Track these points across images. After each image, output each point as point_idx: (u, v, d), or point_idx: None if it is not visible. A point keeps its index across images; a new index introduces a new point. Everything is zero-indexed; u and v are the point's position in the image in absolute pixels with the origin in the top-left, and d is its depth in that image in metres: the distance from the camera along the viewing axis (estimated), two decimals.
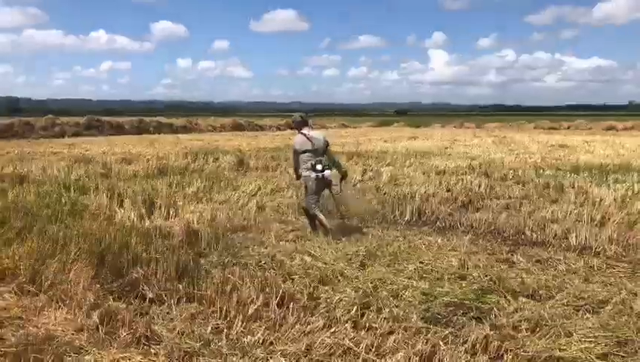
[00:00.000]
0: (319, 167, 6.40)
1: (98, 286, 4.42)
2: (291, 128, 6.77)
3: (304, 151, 6.47)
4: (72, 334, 3.59)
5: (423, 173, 12.02)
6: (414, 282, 4.72)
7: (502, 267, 5.29)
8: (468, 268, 5.16)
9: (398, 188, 9.86)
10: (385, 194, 9.13)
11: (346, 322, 3.80)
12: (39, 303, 4.13)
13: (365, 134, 33.37)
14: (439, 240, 6.31)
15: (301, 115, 6.75)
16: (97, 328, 3.66)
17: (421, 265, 5.27)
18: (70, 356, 3.24)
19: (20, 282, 4.54)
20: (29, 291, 4.37)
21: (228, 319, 3.87)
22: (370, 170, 12.44)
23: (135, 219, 6.76)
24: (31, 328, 3.64)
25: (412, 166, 13.63)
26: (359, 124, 53.42)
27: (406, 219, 7.50)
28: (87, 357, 3.21)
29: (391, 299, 4.29)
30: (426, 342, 3.44)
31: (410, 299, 4.30)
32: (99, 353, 3.28)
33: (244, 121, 42.94)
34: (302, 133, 6.52)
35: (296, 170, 6.78)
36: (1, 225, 6.13)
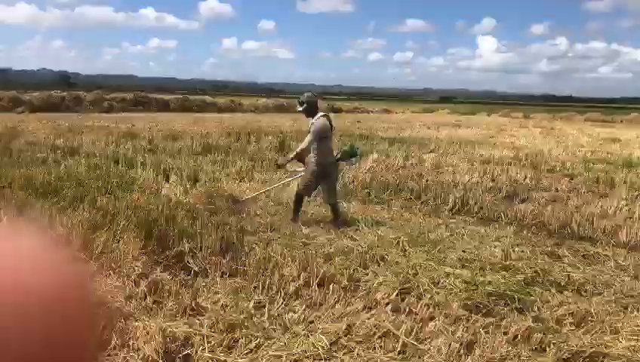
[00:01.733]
0: (339, 155, 6.34)
1: (146, 257, 4.60)
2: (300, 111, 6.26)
3: (323, 138, 6.05)
4: (122, 301, 3.76)
5: (467, 162, 11.87)
6: (456, 270, 4.70)
7: (547, 260, 5.20)
8: (511, 259, 5.09)
9: (441, 175, 9.78)
10: (427, 181, 9.05)
11: (387, 305, 3.85)
12: (90, 270, 4.33)
13: (408, 120, 32.97)
14: (482, 230, 6.26)
15: (315, 95, 6.38)
16: (145, 297, 3.82)
17: (463, 253, 5.24)
18: (120, 321, 3.40)
19: (73, 249, 4.78)
20: (81, 258, 4.59)
21: (269, 295, 3.97)
22: (412, 157, 12.33)
23: (180, 195, 6.94)
24: None
25: (456, 154, 13.45)
26: (402, 109, 52.80)
27: (449, 207, 7.43)
28: (136, 324, 3.35)
29: (432, 285, 4.30)
30: (467, 330, 3.45)
31: (451, 287, 4.28)
32: (147, 321, 3.42)
33: (286, 103, 43.08)
34: (324, 117, 6.11)
35: (300, 154, 6.24)
36: (55, 193, 6.42)
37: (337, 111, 42.73)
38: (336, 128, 6.79)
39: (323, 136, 6.04)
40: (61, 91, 32.59)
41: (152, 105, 32.71)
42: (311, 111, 6.14)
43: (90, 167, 8.63)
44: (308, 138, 6.05)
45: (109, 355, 3.05)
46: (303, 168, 6.39)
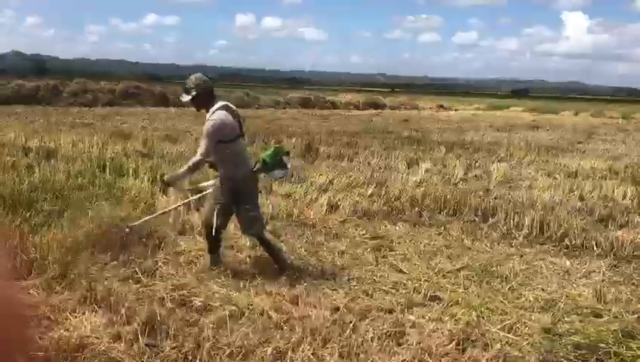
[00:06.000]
0: (257, 165, 5.44)
1: (138, 285, 4.71)
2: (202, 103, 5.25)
3: (235, 138, 5.23)
4: (109, 342, 3.84)
5: (548, 175, 11.77)
6: (533, 314, 4.66)
7: None
8: (605, 302, 5.03)
9: (513, 191, 9.69)
10: (496, 198, 8.98)
11: (442, 357, 3.83)
12: (70, 304, 4.44)
13: (471, 119, 32.81)
14: (567, 263, 6.19)
15: (211, 78, 5.50)
16: (137, 338, 3.89)
17: (542, 293, 5.21)
18: None
19: (49, 277, 4.92)
20: (59, 288, 4.72)
21: (293, 339, 4.00)
22: (476, 167, 12.26)
23: (183, 210, 7.05)
24: (62, 331, 3.92)
25: (533, 164, 13.35)
26: (463, 105, 52.57)
27: (523, 232, 7.35)
28: None
29: (501, 333, 4.27)
30: None
31: (527, 336, 4.25)
32: None
33: (313, 97, 43.41)
34: (225, 108, 5.22)
35: (213, 165, 5.43)
36: (28, 207, 6.61)
37: (379, 107, 42.89)
38: (248, 128, 6.26)
39: (229, 139, 5.14)
40: (34, 80, 33.49)
41: (146, 99, 33.32)
42: (205, 101, 5.20)
43: (71, 175, 8.85)
44: (203, 143, 5.14)
45: None
46: (209, 184, 5.68)
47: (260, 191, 6.09)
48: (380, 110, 40.74)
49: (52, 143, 12.44)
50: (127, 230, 5.61)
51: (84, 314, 4.27)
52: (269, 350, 3.84)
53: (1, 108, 24.54)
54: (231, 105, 5.33)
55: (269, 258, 5.64)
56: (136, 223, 5.78)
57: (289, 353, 3.82)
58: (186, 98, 5.17)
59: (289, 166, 5.70)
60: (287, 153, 5.76)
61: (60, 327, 4.01)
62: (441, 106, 49.39)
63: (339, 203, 8.37)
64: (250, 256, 5.77)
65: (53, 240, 5.51)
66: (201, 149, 5.15)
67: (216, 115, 5.09)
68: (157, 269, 5.28)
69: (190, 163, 5.27)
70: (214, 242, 5.46)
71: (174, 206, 6.06)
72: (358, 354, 3.86)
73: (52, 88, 31.25)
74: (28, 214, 6.36)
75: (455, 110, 47.09)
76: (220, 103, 5.20)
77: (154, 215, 5.75)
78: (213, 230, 5.30)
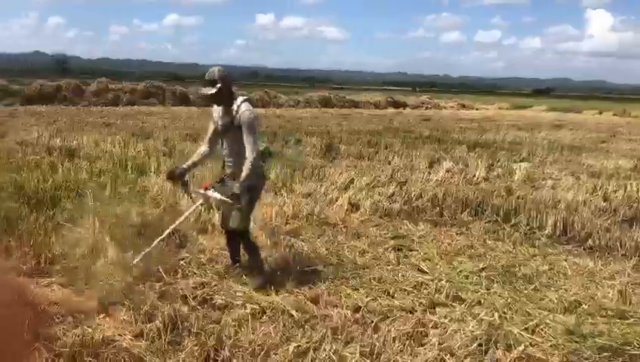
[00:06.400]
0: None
1: (161, 283, 4.76)
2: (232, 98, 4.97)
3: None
4: (132, 340, 3.88)
5: (571, 174, 11.71)
6: (557, 316, 4.63)
7: None
8: (631, 304, 4.98)
9: (536, 191, 9.63)
10: (518, 198, 8.92)
11: (464, 358, 3.82)
12: (93, 302, 4.49)
13: (493, 118, 32.62)
14: (591, 264, 6.14)
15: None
16: (160, 335, 3.93)
17: (566, 294, 5.16)
18: None
19: (72, 274, 4.99)
20: (82, 286, 4.78)
21: (314, 340, 4.01)
22: (498, 166, 12.19)
23: (203, 210, 7.09)
24: (85, 328, 3.97)
25: (556, 163, 13.27)
26: (485, 104, 52.24)
27: (546, 232, 7.31)
28: None
29: (524, 334, 4.24)
30: None
31: (550, 337, 4.22)
32: None
33: (333, 96, 43.42)
34: (249, 101, 5.03)
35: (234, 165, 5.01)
36: (52, 205, 6.69)
37: (400, 106, 42.78)
38: (267, 127, 5.62)
39: (257, 132, 5.01)
40: (57, 79, 33.85)
41: (167, 98, 33.56)
42: (228, 94, 4.95)
43: (93, 173, 8.95)
44: (252, 138, 4.86)
45: None
46: (222, 185, 5.05)
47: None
48: (400, 109, 40.65)
49: (75, 142, 12.60)
50: (134, 263, 4.92)
51: (107, 311, 4.32)
52: (291, 348, 3.86)
53: (24, 107, 24.92)
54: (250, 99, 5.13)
55: (290, 257, 5.68)
56: (140, 256, 4.96)
57: (310, 352, 3.83)
58: (210, 90, 4.85)
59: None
60: (270, 154, 5.60)
61: (83, 324, 4.06)
62: (463, 105, 49.14)
63: (359, 202, 8.36)
64: (270, 256, 5.78)
65: (76, 238, 5.59)
66: (253, 146, 4.83)
67: (247, 106, 4.90)
68: (179, 268, 5.32)
69: (250, 163, 4.81)
70: (257, 253, 5.24)
71: (185, 215, 5.29)
72: (380, 353, 3.87)
73: (74, 88, 31.58)
74: (52, 212, 6.44)
75: (477, 109, 46.82)
76: (242, 97, 5.02)
77: (158, 239, 5.08)
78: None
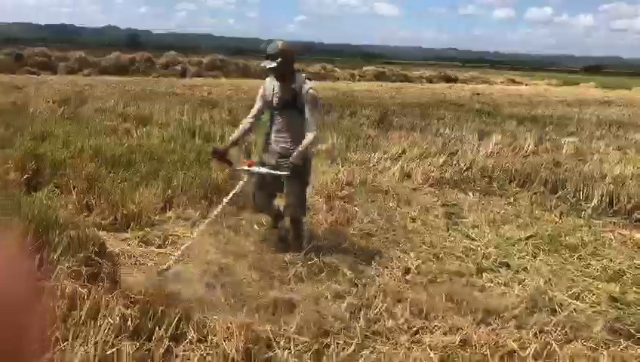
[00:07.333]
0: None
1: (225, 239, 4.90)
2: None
3: None
4: (201, 290, 4.00)
5: (619, 149, 11.34)
6: (601, 284, 4.55)
7: None
8: None
9: (583, 165, 9.38)
10: (566, 171, 8.71)
11: (510, 321, 3.80)
12: (164, 255, 4.64)
13: (543, 94, 31.67)
14: (637, 236, 5.97)
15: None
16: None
17: (611, 263, 5.06)
18: (199, 313, 3.62)
19: (145, 230, 5.17)
20: (156, 241, 4.95)
21: (366, 297, 4.05)
22: (547, 140, 11.90)
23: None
24: (158, 278, 4.11)
25: (603, 138, 12.85)
26: (535, 80, 50.76)
27: (592, 204, 7.13)
28: (215, 317, 3.56)
29: (569, 300, 4.19)
30: (613, 359, 3.34)
31: (594, 304, 4.16)
32: (228, 316, 3.61)
33: (387, 70, 42.93)
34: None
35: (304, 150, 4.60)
36: (127, 167, 6.89)
37: (451, 80, 41.98)
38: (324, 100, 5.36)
39: None
40: (130, 52, 34.52)
41: (230, 70, 33.86)
42: (290, 68, 4.63)
43: (164, 140, 9.15)
44: (316, 116, 4.68)
45: (184, 350, 3.28)
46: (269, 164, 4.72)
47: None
48: (451, 83, 39.88)
49: (147, 110, 12.86)
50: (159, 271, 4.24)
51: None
52: (344, 305, 3.90)
53: (101, 77, 25.54)
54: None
55: (344, 220, 5.74)
56: (168, 264, 4.31)
57: (362, 309, 3.87)
58: (271, 64, 4.49)
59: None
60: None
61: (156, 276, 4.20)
62: (513, 81, 47.82)
63: (411, 171, 8.31)
64: (326, 220, 5.81)
65: (149, 197, 5.77)
66: (314, 125, 4.61)
67: (311, 84, 4.63)
68: (241, 226, 5.43)
69: (314, 136, 4.62)
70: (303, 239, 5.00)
71: (231, 193, 4.58)
72: (429, 312, 3.88)
73: (146, 60, 32.22)
74: (127, 173, 6.64)
75: (526, 85, 45.50)
76: (303, 73, 4.76)
77: (207, 220, 4.70)
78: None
